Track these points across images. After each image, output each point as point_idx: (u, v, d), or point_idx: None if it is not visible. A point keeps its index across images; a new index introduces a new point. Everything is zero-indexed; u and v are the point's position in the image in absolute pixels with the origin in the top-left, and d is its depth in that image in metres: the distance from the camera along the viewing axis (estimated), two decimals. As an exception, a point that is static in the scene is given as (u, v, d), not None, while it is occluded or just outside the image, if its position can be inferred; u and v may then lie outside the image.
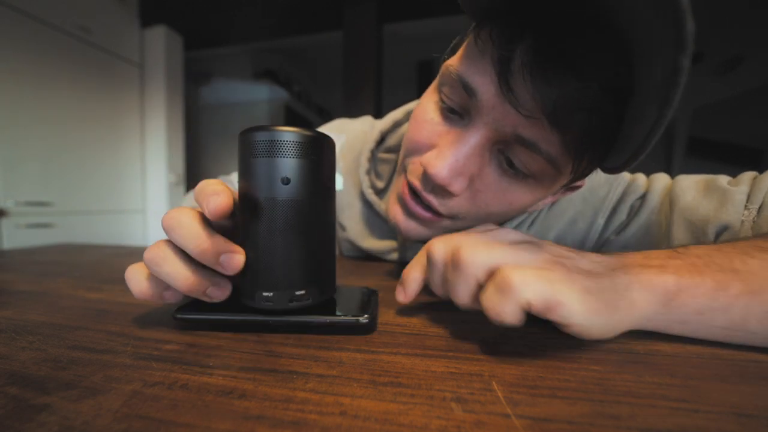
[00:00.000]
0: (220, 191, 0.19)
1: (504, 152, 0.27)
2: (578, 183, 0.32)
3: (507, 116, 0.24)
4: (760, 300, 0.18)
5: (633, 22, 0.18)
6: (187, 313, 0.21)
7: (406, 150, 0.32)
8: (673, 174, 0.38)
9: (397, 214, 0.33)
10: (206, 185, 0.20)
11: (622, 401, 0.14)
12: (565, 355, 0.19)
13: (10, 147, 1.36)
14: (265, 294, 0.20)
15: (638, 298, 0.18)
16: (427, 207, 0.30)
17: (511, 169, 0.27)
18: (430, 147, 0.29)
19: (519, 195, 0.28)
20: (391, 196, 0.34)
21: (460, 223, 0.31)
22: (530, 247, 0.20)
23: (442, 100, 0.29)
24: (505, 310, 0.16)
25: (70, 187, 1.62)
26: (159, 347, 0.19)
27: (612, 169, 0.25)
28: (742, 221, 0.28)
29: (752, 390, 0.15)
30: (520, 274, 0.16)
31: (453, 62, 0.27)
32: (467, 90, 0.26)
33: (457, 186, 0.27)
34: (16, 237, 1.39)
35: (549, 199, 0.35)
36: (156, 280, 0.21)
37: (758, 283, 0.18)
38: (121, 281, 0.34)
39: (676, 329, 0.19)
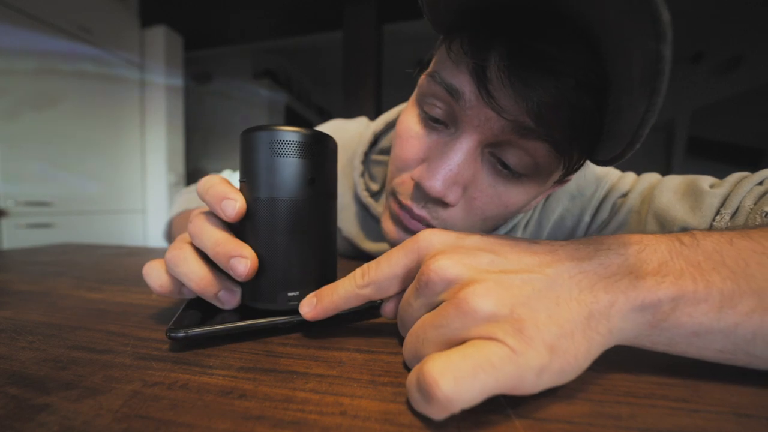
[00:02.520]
0: (230, 193, 0.20)
1: (495, 154, 0.27)
2: (568, 177, 0.32)
3: (492, 119, 0.24)
4: None
5: (603, 20, 0.19)
6: (181, 332, 0.18)
7: (395, 167, 0.31)
8: (672, 174, 0.38)
9: (391, 231, 0.33)
10: (211, 187, 0.20)
11: (622, 401, 0.14)
12: (565, 355, 0.19)
13: (10, 147, 1.36)
14: (290, 294, 0.20)
15: (619, 322, 0.15)
16: (421, 220, 0.30)
17: (504, 170, 0.27)
18: (419, 161, 0.29)
19: (514, 196, 0.28)
20: (385, 214, 0.34)
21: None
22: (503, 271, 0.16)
23: (424, 112, 0.28)
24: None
25: (70, 187, 1.62)
26: (159, 347, 0.19)
27: (606, 162, 0.25)
28: (713, 226, 0.27)
29: (752, 390, 0.15)
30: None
31: (432, 71, 0.27)
32: (452, 92, 0.25)
33: (452, 196, 0.27)
34: (16, 237, 1.39)
35: (541, 197, 0.34)
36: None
37: None
38: (121, 281, 0.34)
39: (661, 350, 0.16)
